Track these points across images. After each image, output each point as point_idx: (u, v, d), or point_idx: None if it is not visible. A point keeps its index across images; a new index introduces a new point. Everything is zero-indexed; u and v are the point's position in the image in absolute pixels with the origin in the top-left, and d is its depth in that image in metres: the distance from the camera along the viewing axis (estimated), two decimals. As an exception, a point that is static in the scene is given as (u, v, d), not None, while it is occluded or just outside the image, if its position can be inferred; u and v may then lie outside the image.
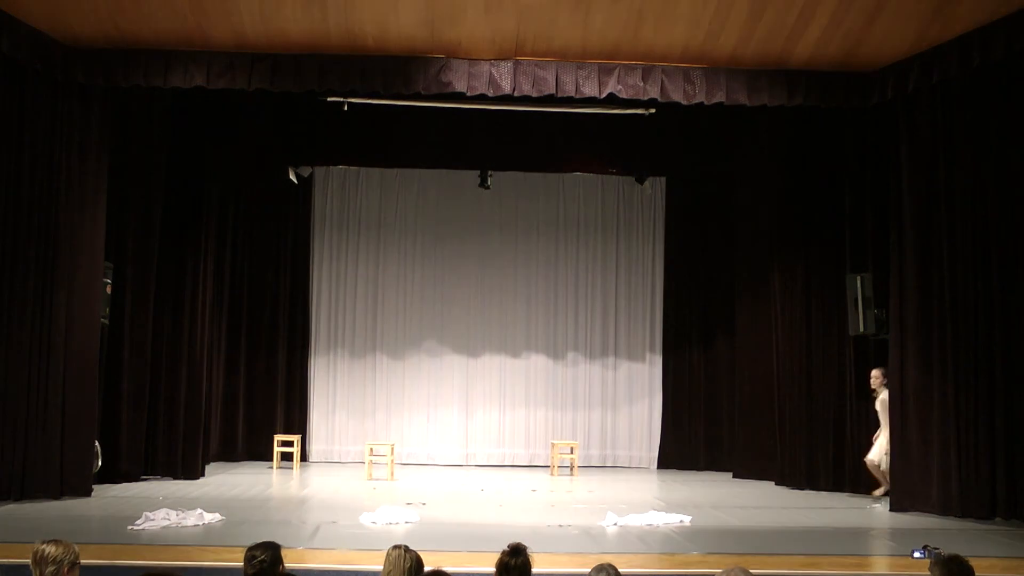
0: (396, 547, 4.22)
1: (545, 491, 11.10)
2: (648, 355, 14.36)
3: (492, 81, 9.49)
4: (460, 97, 10.07)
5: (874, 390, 10.43)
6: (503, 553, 4.17)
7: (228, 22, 8.98)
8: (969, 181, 9.23)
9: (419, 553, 4.23)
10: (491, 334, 14.24)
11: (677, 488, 11.67)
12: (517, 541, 4.25)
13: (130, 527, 7.72)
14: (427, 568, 4.17)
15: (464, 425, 14.11)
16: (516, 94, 9.61)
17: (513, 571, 4.11)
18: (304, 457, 13.46)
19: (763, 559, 7.04)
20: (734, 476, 12.62)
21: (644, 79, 9.51)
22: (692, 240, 14.15)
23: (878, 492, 10.35)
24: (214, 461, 12.66)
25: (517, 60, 9.48)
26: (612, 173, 13.86)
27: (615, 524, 8.47)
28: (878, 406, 10.37)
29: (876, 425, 10.42)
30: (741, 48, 9.27)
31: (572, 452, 13.22)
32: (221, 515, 8.32)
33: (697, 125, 12.42)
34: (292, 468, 12.69)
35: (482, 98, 9.96)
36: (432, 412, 14.10)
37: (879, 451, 10.31)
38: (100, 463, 10.13)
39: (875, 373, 10.38)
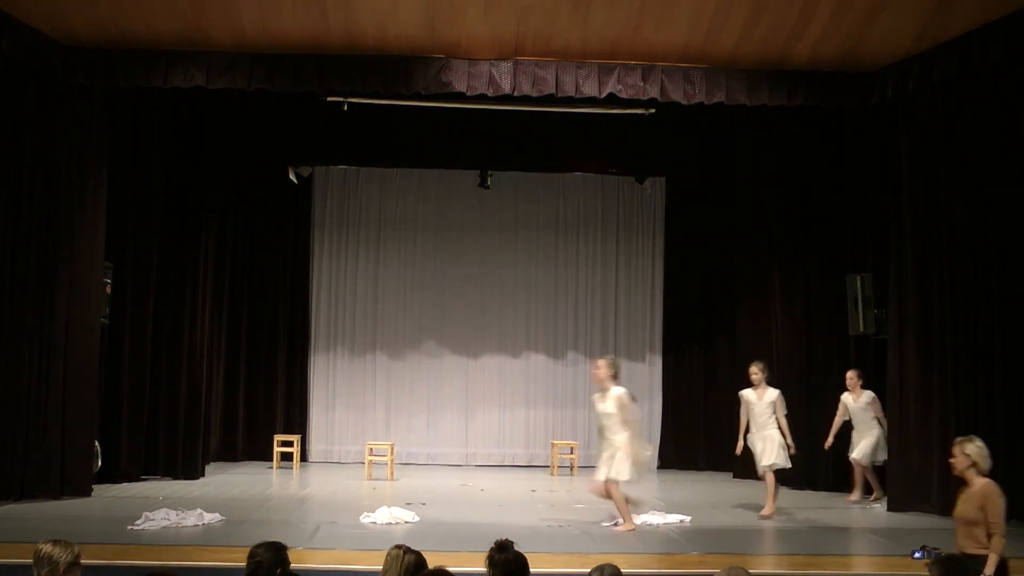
0: (396, 547, 4.22)
1: (545, 491, 11.10)
2: (648, 355, 14.37)
3: (492, 81, 9.49)
4: (460, 97, 10.07)
5: (851, 391, 10.20)
6: (490, 549, 4.18)
7: (228, 22, 8.98)
8: (969, 181, 9.23)
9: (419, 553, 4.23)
10: (491, 334, 14.24)
11: (677, 488, 11.67)
12: (505, 538, 4.25)
13: (130, 527, 7.73)
14: (429, 568, 4.17)
15: (464, 425, 14.11)
16: (516, 94, 9.61)
17: (499, 566, 4.11)
18: (304, 457, 13.46)
19: (763, 559, 7.04)
20: (734, 476, 12.61)
21: (644, 79, 9.52)
22: (692, 240, 14.15)
23: (875, 497, 10.19)
24: (214, 461, 12.66)
25: (517, 60, 9.49)
26: (612, 173, 13.87)
27: (615, 524, 8.47)
28: (858, 406, 10.12)
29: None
30: (741, 48, 9.27)
31: (572, 452, 13.23)
32: (221, 515, 8.33)
33: (697, 125, 12.43)
34: (292, 468, 12.69)
35: (482, 98, 9.96)
36: (432, 412, 14.10)
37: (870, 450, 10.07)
38: (100, 463, 10.14)
39: (851, 374, 10.24)
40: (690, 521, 8.69)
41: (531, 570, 4.22)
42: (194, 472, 11.25)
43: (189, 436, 11.34)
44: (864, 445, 10.04)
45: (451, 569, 4.08)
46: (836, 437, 10.26)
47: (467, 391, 14.16)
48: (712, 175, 13.66)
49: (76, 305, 9.53)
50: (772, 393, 9.36)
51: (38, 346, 9.27)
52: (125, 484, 10.41)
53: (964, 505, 5.48)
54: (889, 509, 9.56)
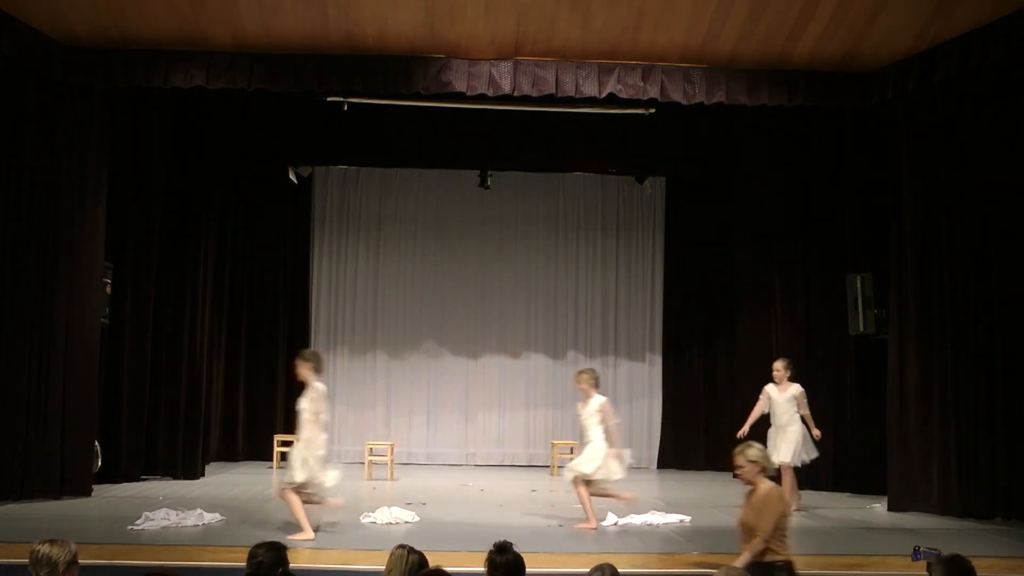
0: (400, 547, 4.23)
1: (545, 491, 11.09)
2: (648, 355, 14.36)
3: (492, 81, 9.49)
4: (460, 97, 10.07)
5: (777, 383, 9.51)
6: (490, 552, 4.19)
7: (228, 22, 8.98)
8: (969, 181, 9.23)
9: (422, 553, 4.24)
10: (491, 333, 14.24)
11: (677, 488, 11.67)
12: (503, 539, 4.27)
13: (130, 527, 7.73)
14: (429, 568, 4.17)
15: (464, 425, 14.11)
16: (516, 94, 9.61)
17: (500, 568, 4.12)
18: (304, 457, 13.43)
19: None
20: (734, 476, 12.59)
21: (644, 79, 9.52)
22: (692, 240, 14.14)
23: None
24: (214, 461, 12.66)
25: (517, 60, 9.49)
26: (612, 173, 13.87)
27: (615, 524, 8.47)
28: (783, 399, 9.40)
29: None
30: (741, 48, 9.27)
31: (572, 452, 13.19)
32: (221, 515, 8.33)
33: (697, 125, 12.42)
34: (292, 468, 12.67)
35: (482, 98, 9.96)
36: (432, 412, 14.09)
37: (792, 451, 9.24)
38: (100, 463, 10.14)
39: (778, 364, 9.58)
40: (690, 521, 8.69)
41: (531, 570, 4.22)
42: (194, 472, 11.25)
43: (189, 436, 11.34)
44: (786, 447, 9.27)
45: (451, 569, 4.09)
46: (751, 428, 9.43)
47: (467, 391, 14.16)
48: (712, 175, 13.65)
49: (76, 305, 9.53)
50: (594, 402, 8.49)
51: (38, 346, 9.27)
52: (125, 484, 10.40)
53: (748, 511, 5.38)
54: (889, 509, 9.55)
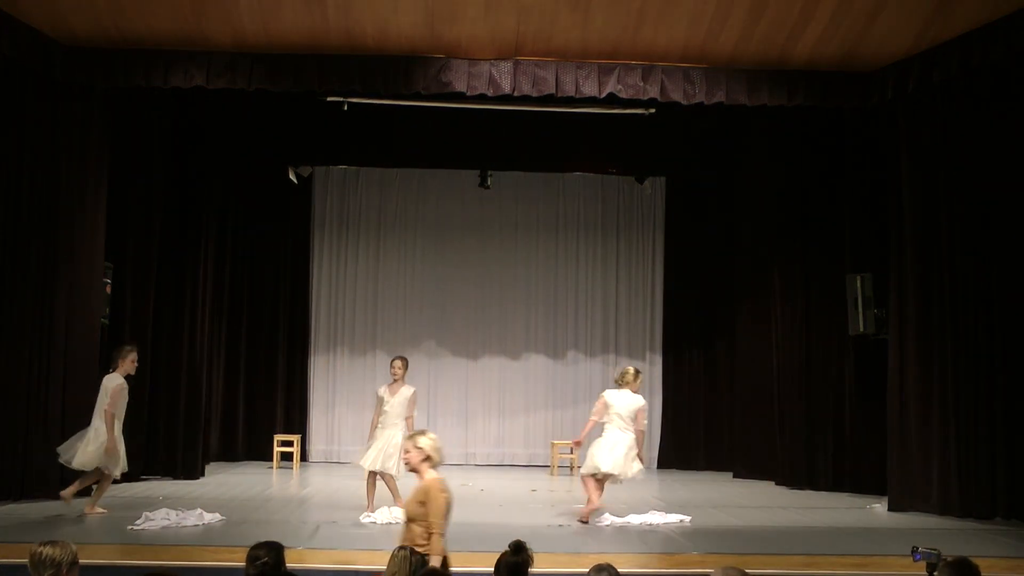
0: (402, 548, 4.23)
1: (545, 491, 11.09)
2: (648, 355, 14.36)
3: (492, 81, 9.49)
4: (460, 97, 10.07)
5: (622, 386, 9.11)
6: (505, 552, 4.19)
7: (228, 22, 8.98)
8: (969, 181, 9.23)
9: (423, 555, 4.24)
10: (491, 333, 14.24)
11: (677, 488, 11.66)
12: (518, 539, 4.27)
13: (130, 527, 7.73)
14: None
15: (464, 425, 14.11)
16: (516, 94, 9.61)
17: (517, 569, 4.13)
18: (304, 457, 13.46)
19: (763, 559, 7.03)
20: (734, 476, 12.63)
21: (644, 79, 9.52)
22: (692, 240, 14.15)
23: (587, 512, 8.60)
24: (214, 461, 12.66)
25: (517, 60, 9.49)
26: (612, 173, 13.87)
27: (615, 524, 8.46)
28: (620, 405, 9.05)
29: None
30: (741, 48, 9.27)
31: (572, 452, 13.22)
32: (221, 515, 8.34)
33: (697, 125, 12.42)
34: (292, 468, 12.69)
35: (482, 98, 9.96)
36: (432, 412, 14.06)
37: (616, 459, 8.69)
38: (100, 463, 10.12)
39: (629, 370, 9.28)
40: (690, 521, 8.69)
41: (532, 570, 4.23)
42: (194, 472, 11.24)
43: (189, 436, 11.33)
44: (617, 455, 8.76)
45: (451, 569, 4.09)
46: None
47: (467, 391, 14.16)
48: (712, 175, 13.67)
49: (76, 305, 9.53)
50: (406, 391, 9.00)
51: (38, 346, 9.27)
52: (125, 484, 10.38)
53: (409, 500, 5.11)
54: (889, 509, 9.56)
